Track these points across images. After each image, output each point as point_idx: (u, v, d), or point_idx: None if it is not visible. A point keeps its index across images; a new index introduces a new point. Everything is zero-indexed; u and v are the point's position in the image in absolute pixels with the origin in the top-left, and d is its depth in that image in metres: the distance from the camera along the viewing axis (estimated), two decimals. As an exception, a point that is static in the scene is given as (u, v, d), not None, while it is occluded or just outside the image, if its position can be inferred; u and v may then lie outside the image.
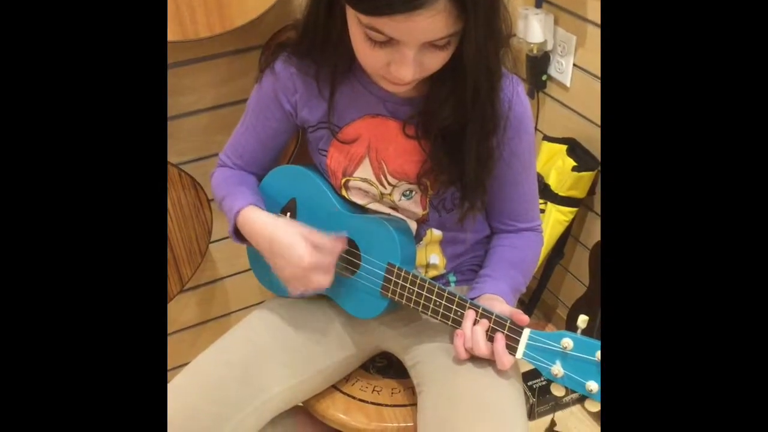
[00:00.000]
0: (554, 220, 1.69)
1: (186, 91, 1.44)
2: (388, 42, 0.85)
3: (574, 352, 0.91)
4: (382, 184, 1.05)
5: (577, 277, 1.85)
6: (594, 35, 1.56)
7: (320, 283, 1.00)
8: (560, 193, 1.65)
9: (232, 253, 1.71)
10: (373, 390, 1.15)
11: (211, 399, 0.99)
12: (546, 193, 1.67)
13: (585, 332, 0.93)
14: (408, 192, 1.05)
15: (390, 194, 1.06)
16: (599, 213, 1.71)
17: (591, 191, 1.68)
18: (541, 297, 1.95)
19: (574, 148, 1.65)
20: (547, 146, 1.70)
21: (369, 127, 1.03)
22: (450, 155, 0.98)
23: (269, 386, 1.04)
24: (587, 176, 1.63)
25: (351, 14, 0.87)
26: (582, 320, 0.94)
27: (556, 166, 1.66)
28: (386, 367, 1.20)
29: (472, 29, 0.84)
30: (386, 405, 1.13)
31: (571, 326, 0.98)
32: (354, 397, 1.14)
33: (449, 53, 0.88)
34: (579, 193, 1.65)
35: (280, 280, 1.04)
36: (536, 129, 1.81)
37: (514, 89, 1.00)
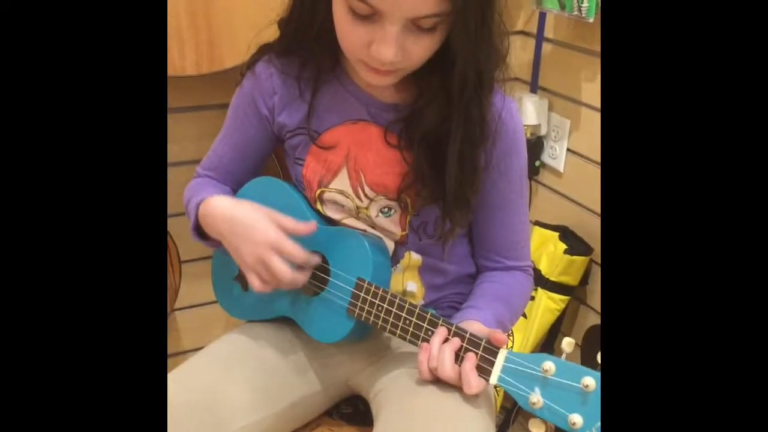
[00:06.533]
0: (545, 307, 1.59)
1: (168, 141, 1.40)
2: (371, 17, 0.81)
3: (556, 378, 0.81)
4: (358, 197, 0.98)
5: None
6: (588, 118, 1.55)
7: (283, 274, 0.90)
8: (551, 278, 1.57)
9: (201, 323, 1.59)
10: (335, 437, 1.03)
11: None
12: (537, 278, 1.59)
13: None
14: (386, 209, 0.98)
15: (367, 209, 0.98)
16: (592, 306, 1.62)
17: (583, 281, 1.60)
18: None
19: (567, 235, 1.60)
20: (539, 232, 1.64)
21: (349, 133, 0.98)
22: (433, 166, 0.91)
23: (231, 420, 0.93)
24: (579, 261, 1.55)
25: None
26: (567, 343, 0.84)
27: (547, 251, 1.59)
28: (352, 414, 1.08)
29: (461, 16, 0.80)
30: (348, 452, 1.01)
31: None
32: (315, 443, 1.01)
33: (435, 41, 0.84)
34: (571, 279, 1.57)
35: (243, 297, 0.95)
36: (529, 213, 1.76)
37: (507, 105, 0.95)
